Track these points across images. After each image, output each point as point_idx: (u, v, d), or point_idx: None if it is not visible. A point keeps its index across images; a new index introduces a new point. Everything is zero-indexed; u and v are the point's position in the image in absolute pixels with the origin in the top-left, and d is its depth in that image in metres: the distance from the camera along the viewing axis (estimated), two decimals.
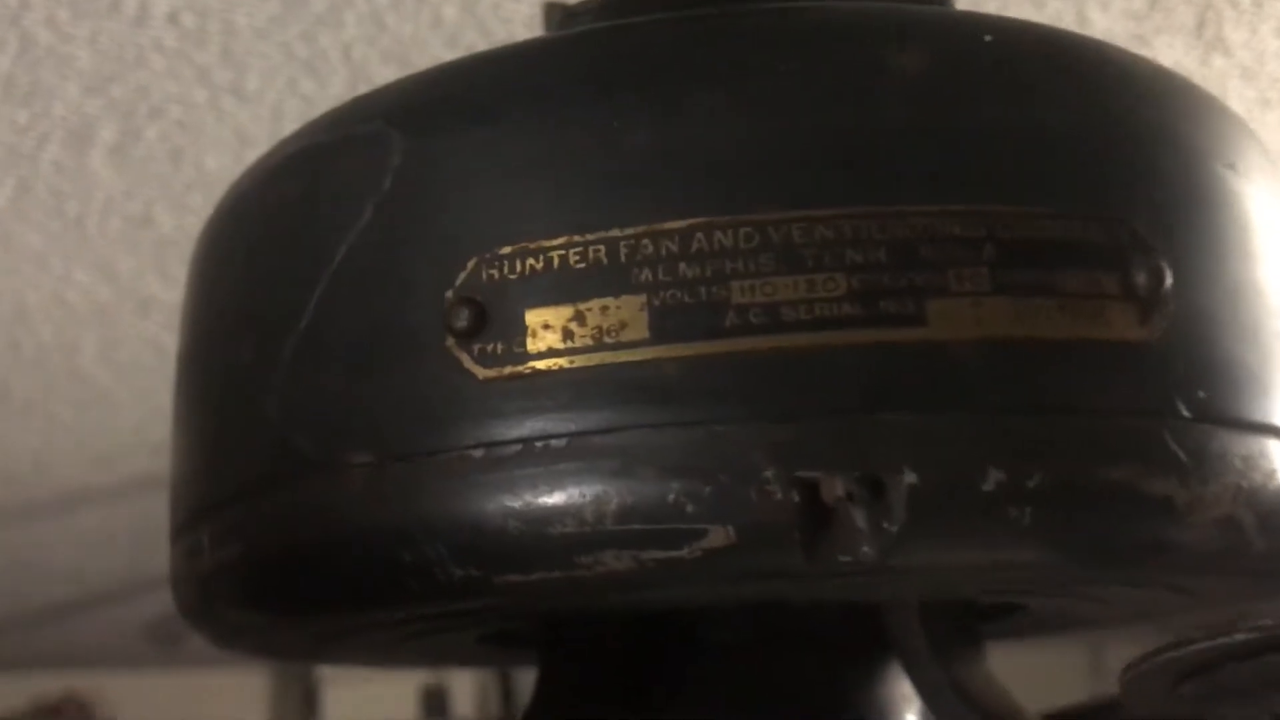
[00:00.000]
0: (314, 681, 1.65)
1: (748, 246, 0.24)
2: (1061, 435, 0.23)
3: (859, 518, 0.23)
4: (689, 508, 0.23)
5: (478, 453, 0.24)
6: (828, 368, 0.23)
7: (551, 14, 0.30)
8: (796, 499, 0.23)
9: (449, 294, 0.24)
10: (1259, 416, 0.26)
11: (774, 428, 0.23)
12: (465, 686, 1.45)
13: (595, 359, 0.23)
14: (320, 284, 0.26)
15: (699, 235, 0.24)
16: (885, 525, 0.23)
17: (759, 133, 0.24)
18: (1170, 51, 0.84)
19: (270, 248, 0.28)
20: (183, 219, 0.83)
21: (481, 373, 0.24)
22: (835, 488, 0.23)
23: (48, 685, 2.09)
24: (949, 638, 0.34)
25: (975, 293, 0.24)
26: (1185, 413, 0.25)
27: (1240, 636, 0.27)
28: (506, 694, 1.32)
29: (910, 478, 0.23)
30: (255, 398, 0.27)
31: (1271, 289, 0.28)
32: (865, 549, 0.23)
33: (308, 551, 0.26)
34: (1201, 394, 0.25)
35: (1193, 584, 0.30)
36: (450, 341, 0.24)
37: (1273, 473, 0.26)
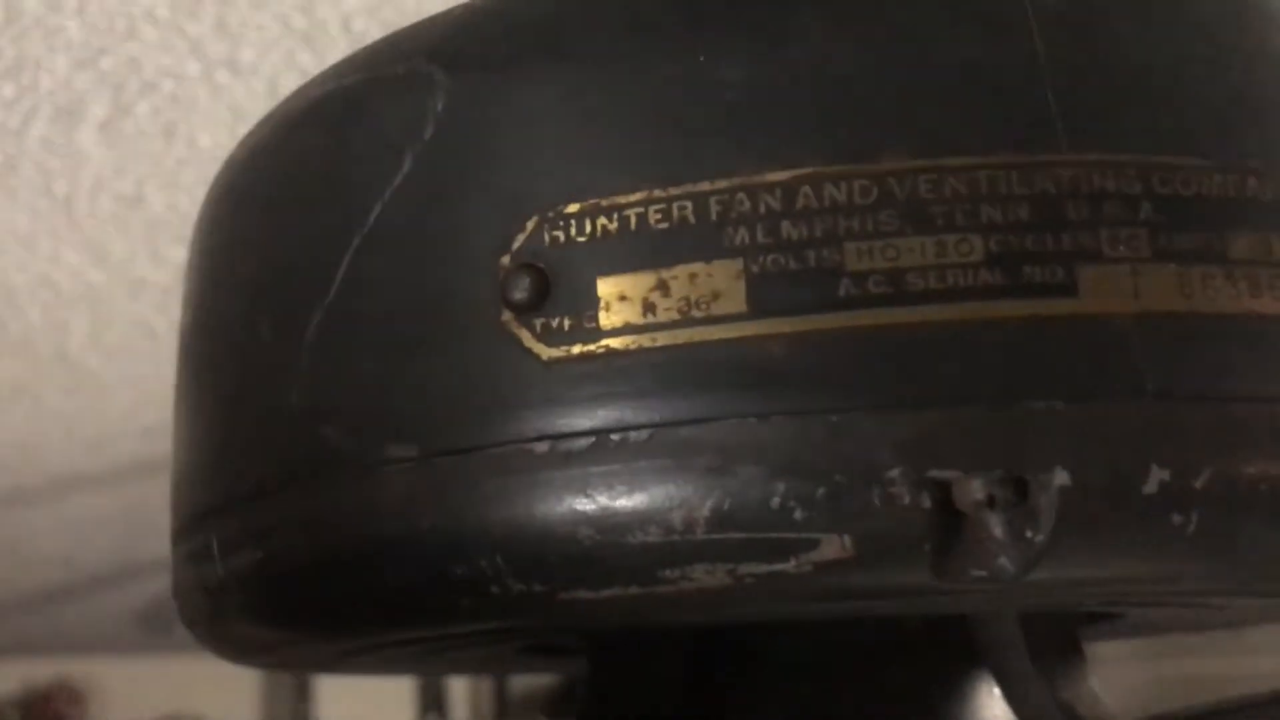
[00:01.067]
0: (308, 685, 1.62)
1: (865, 202, 0.20)
2: (1232, 427, 0.20)
3: (998, 526, 0.19)
4: (798, 514, 0.19)
5: (542, 446, 0.20)
6: (963, 347, 0.19)
7: None
8: (928, 504, 0.19)
9: (505, 260, 0.21)
10: None
11: (900, 419, 0.19)
12: (461, 679, 1.42)
13: (683, 336, 0.20)
14: (350, 249, 0.22)
15: (806, 189, 0.20)
16: (1029, 534, 0.19)
17: (876, 67, 0.20)
18: None
19: (291, 208, 0.24)
20: (175, 198, 0.80)
21: (546, 352, 0.20)
22: (972, 490, 0.19)
23: (39, 671, 2.06)
24: (1049, 649, 0.31)
25: (1133, 258, 0.20)
26: None
27: None
28: (500, 689, 1.29)
29: (1062, 478, 0.19)
30: (274, 382, 0.23)
31: None
32: (1003, 562, 0.19)
33: (338, 561, 0.22)
34: None
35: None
36: (507, 316, 0.20)
37: None
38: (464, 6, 0.23)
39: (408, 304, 0.22)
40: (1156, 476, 0.19)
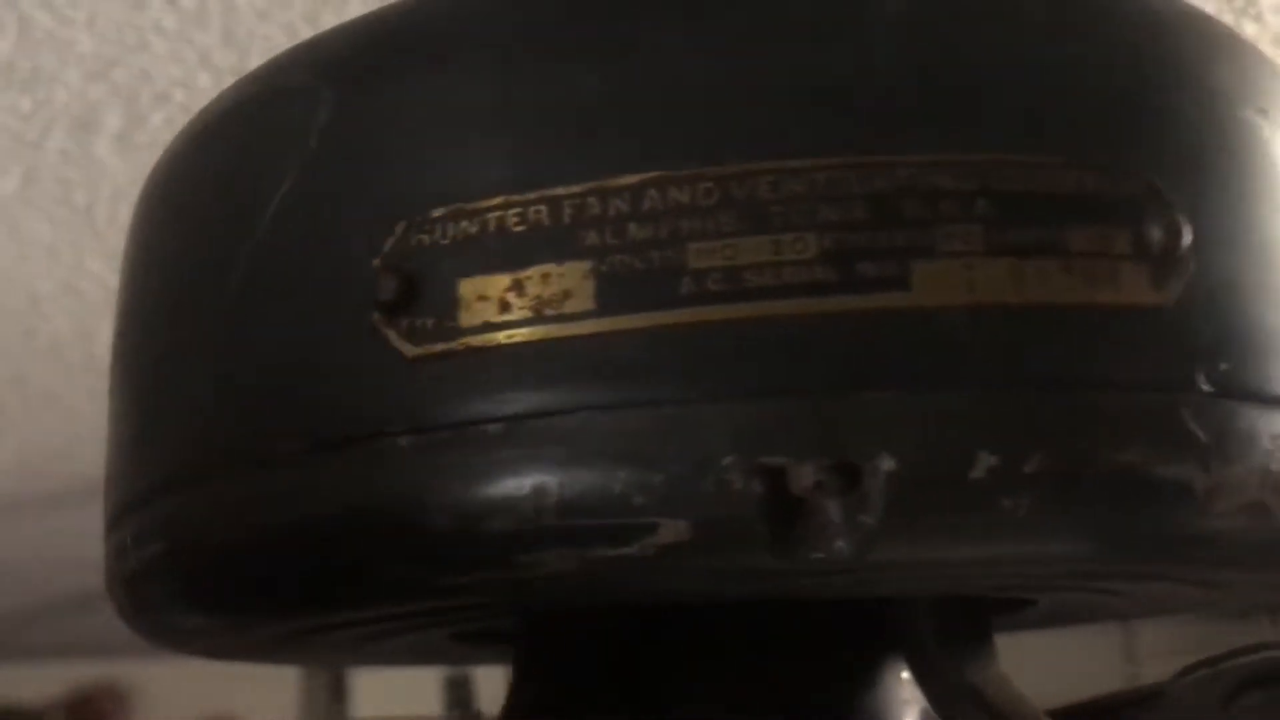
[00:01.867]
0: (343, 669, 1.63)
1: (707, 204, 0.21)
2: (1063, 414, 0.21)
3: (831, 510, 0.20)
4: (637, 499, 0.20)
5: (406, 440, 0.21)
6: (796, 340, 0.20)
7: None
8: (759, 489, 0.20)
9: (376, 262, 0.22)
10: None
11: (735, 409, 0.20)
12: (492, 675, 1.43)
13: (535, 334, 0.21)
14: (243, 256, 0.24)
15: (652, 192, 0.21)
16: (861, 518, 0.20)
17: (720, 75, 0.21)
18: None
19: (194, 216, 0.25)
20: None
21: (410, 350, 0.21)
22: (804, 476, 0.20)
23: (82, 673, 2.09)
24: (957, 634, 0.31)
25: (967, 253, 0.21)
26: (1206, 387, 0.22)
27: None
28: None
29: (888, 464, 0.20)
30: (181, 382, 0.25)
31: None
32: (839, 544, 0.20)
33: (232, 552, 0.23)
34: (1225, 365, 0.22)
35: (1219, 576, 0.27)
36: (377, 316, 0.22)
37: None
38: (356, 19, 0.25)
39: (291, 307, 0.23)
40: (985, 462, 0.20)
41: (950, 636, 0.31)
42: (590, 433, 0.20)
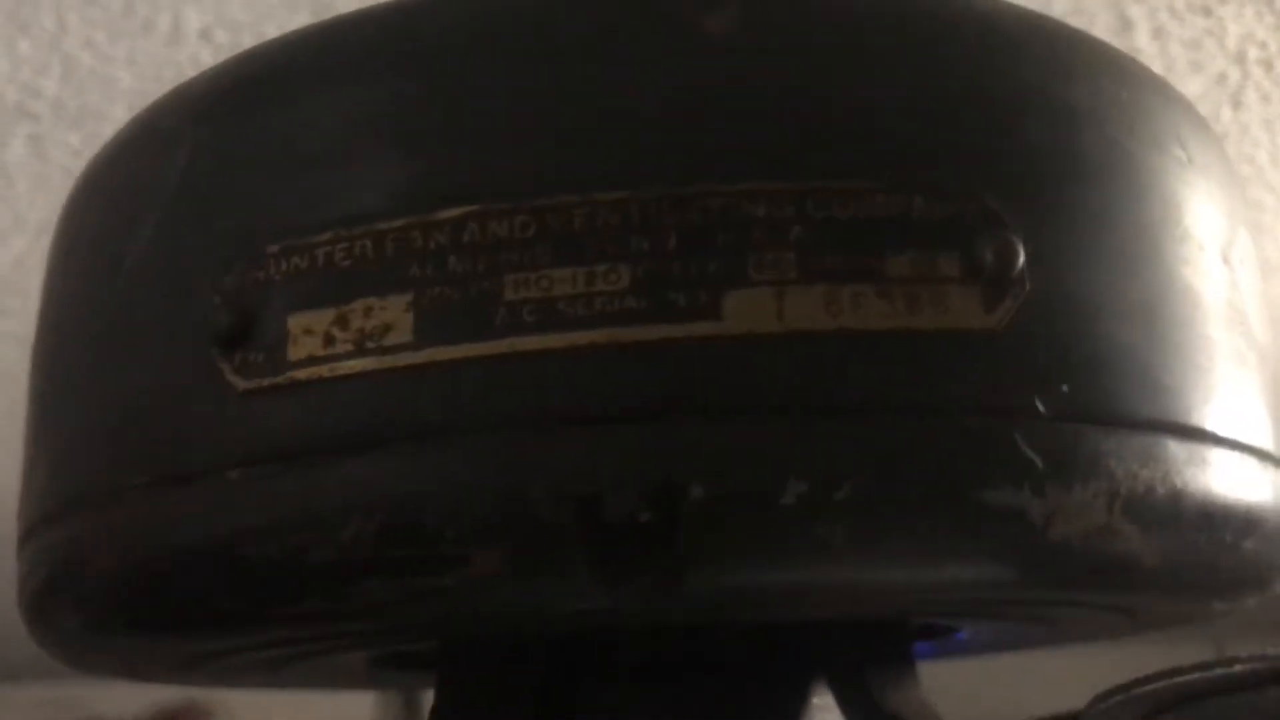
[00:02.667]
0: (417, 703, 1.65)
1: (523, 236, 0.21)
2: (879, 441, 0.20)
3: (643, 539, 0.20)
4: (449, 531, 0.20)
5: (235, 474, 0.21)
6: (607, 369, 0.20)
7: None
8: (570, 519, 0.20)
9: (217, 299, 0.22)
10: (1147, 412, 0.23)
11: (546, 439, 0.20)
12: None
13: (356, 366, 0.21)
14: (113, 294, 0.24)
15: (472, 225, 0.21)
16: (672, 547, 0.20)
17: (536, 108, 0.21)
18: (1240, 21, 0.82)
19: (82, 256, 0.26)
20: None
21: (242, 385, 0.22)
22: (616, 506, 0.20)
23: (168, 693, 2.13)
24: (879, 660, 0.31)
25: (779, 281, 0.21)
26: (1042, 410, 0.21)
27: (1237, 669, 0.24)
28: None
29: (698, 492, 0.20)
30: (57, 416, 0.25)
31: (1175, 262, 0.24)
32: (651, 574, 0.20)
33: (92, 584, 0.24)
34: (1065, 388, 0.22)
35: (1110, 603, 0.26)
36: (215, 351, 0.22)
37: (1165, 475, 0.23)
38: (228, 60, 0.25)
39: (146, 344, 0.23)
40: (795, 489, 0.20)
41: (872, 662, 0.31)
42: (406, 464, 0.21)
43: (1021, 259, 0.22)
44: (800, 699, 0.31)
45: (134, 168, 0.25)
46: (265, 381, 0.22)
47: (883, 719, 0.30)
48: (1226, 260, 0.26)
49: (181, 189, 0.24)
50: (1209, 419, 0.24)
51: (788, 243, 0.21)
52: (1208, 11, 0.82)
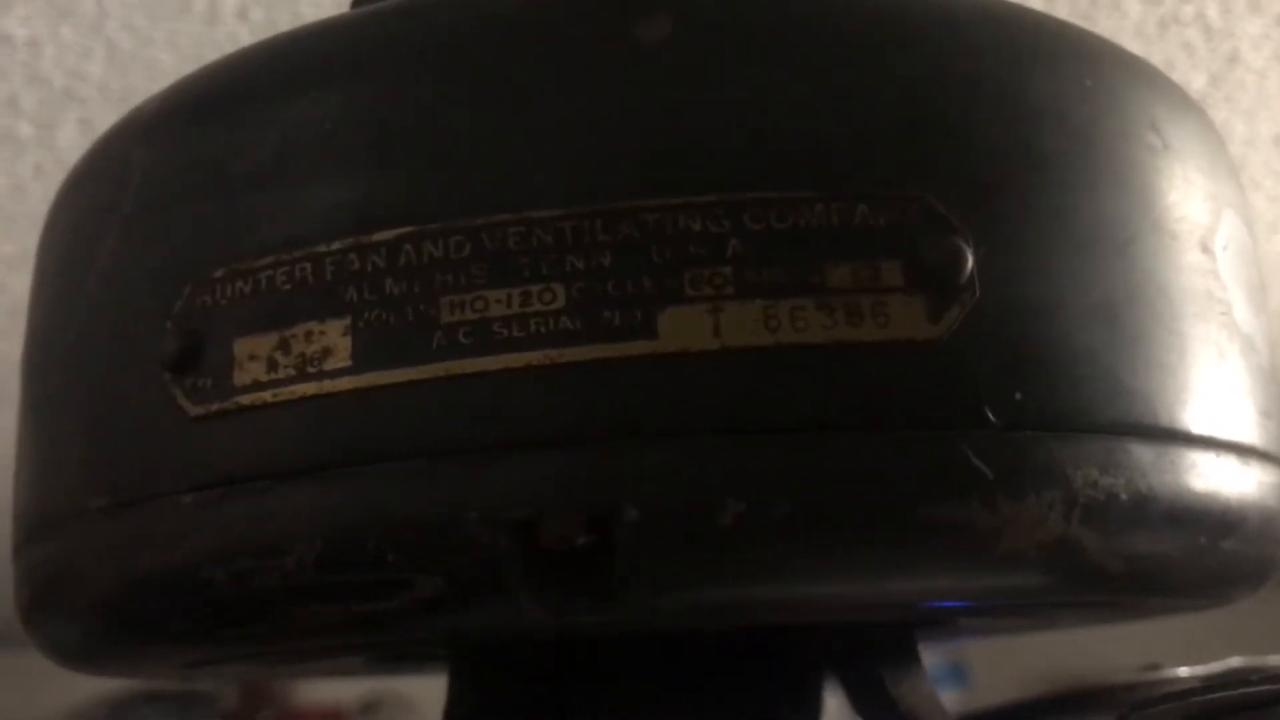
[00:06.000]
0: None
1: (459, 257, 0.21)
2: (818, 459, 0.20)
3: (580, 562, 0.20)
4: (390, 556, 0.20)
5: (188, 498, 0.22)
6: (541, 391, 0.20)
7: None
8: (507, 544, 0.20)
9: (168, 325, 0.22)
10: (1109, 416, 0.22)
11: (483, 463, 0.20)
12: None
13: (297, 391, 0.21)
14: (72, 316, 0.24)
15: (408, 247, 0.21)
16: (611, 569, 0.20)
17: (468, 127, 0.21)
18: None
19: (49, 278, 0.26)
20: None
21: (192, 409, 0.22)
22: (553, 529, 0.20)
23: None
24: (883, 651, 0.31)
25: (715, 297, 0.20)
26: (994, 420, 0.21)
27: (1263, 688, 0.24)
28: None
29: (633, 514, 0.20)
30: (38, 435, 0.26)
31: (1144, 256, 0.24)
32: (590, 597, 0.20)
33: (67, 601, 0.24)
34: (1018, 395, 0.21)
35: (1073, 613, 0.26)
36: (167, 377, 0.22)
37: (1129, 480, 0.22)
38: (179, 80, 0.25)
39: (102, 369, 0.24)
40: (732, 509, 0.20)
41: (882, 659, 0.31)
42: (346, 491, 0.21)
43: (970, 264, 0.21)
44: (812, 699, 0.31)
45: (92, 192, 0.25)
46: (214, 406, 0.22)
47: (898, 715, 0.30)
48: (1206, 249, 0.25)
49: (133, 213, 0.24)
50: (1179, 419, 0.23)
51: (724, 257, 0.20)
52: None
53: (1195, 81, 0.88)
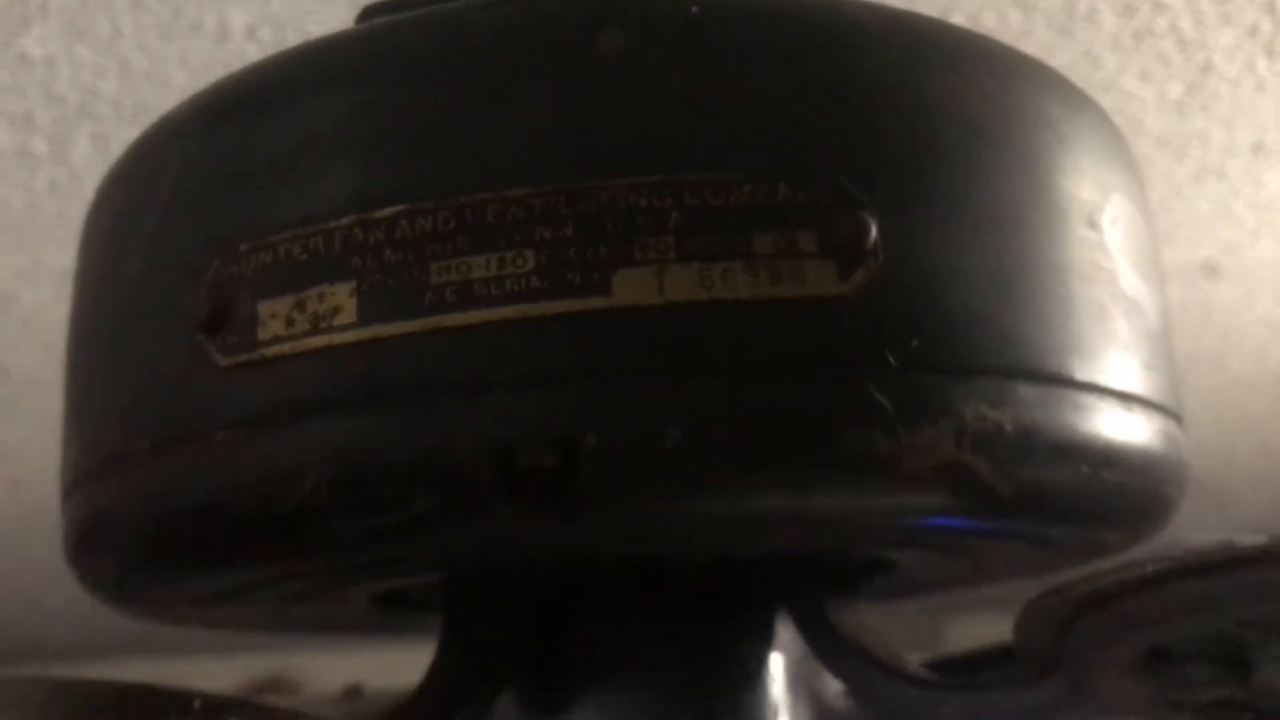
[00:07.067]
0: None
1: (446, 229, 0.25)
2: (745, 393, 0.24)
3: (550, 481, 0.24)
4: (391, 479, 0.24)
5: (220, 435, 0.26)
6: (517, 339, 0.25)
7: None
8: (488, 467, 0.24)
9: (201, 291, 0.27)
10: (997, 361, 0.26)
11: (466, 400, 0.24)
12: None
13: (312, 343, 0.25)
14: (120, 287, 0.29)
15: (403, 222, 0.25)
16: (576, 488, 0.24)
17: (456, 121, 0.25)
18: None
19: (100, 253, 0.31)
20: None
21: (222, 361, 0.26)
22: (527, 454, 0.24)
23: (254, 665, 2.20)
24: (835, 591, 0.35)
25: (659, 260, 0.25)
26: (893, 362, 0.25)
27: (1150, 568, 0.27)
28: None
29: (591, 440, 0.24)
30: (86, 394, 0.30)
31: (1035, 231, 0.28)
32: (559, 510, 0.24)
33: (115, 536, 0.28)
34: (915, 343, 0.25)
35: (1001, 556, 0.30)
36: (201, 336, 0.26)
37: (1015, 415, 0.26)
38: (207, 87, 0.29)
39: (145, 329, 0.28)
40: (673, 435, 0.24)
41: (827, 594, 0.35)
42: (354, 424, 0.25)
43: (874, 234, 0.25)
44: (764, 629, 0.34)
45: (132, 185, 0.29)
46: (241, 358, 0.26)
47: (842, 643, 0.34)
48: (1094, 225, 0.30)
49: (169, 200, 0.28)
50: (1063, 365, 0.27)
51: (667, 228, 0.25)
52: None
53: (1172, 91, 0.90)
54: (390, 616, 0.38)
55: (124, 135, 0.86)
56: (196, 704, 0.25)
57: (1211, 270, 1.14)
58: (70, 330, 0.32)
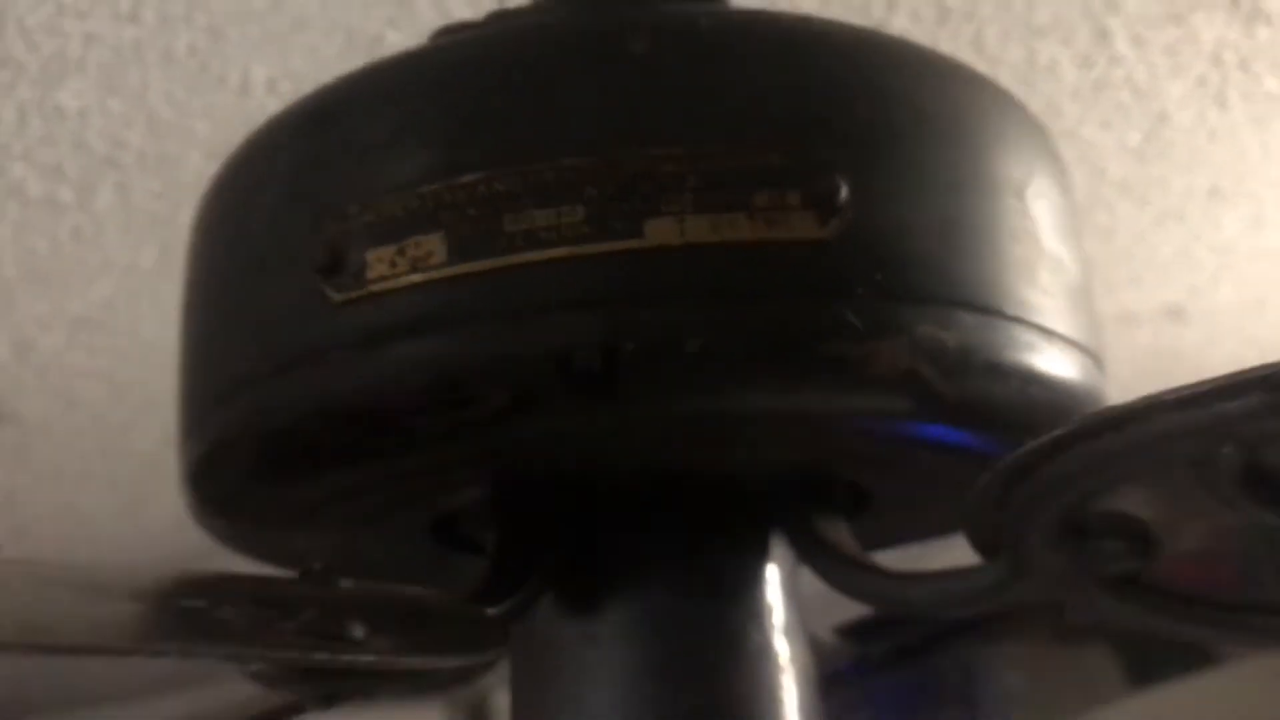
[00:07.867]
0: (485, 711, 1.73)
1: (514, 190, 0.33)
2: (749, 312, 0.32)
3: (599, 379, 0.32)
4: (474, 380, 0.32)
5: (335, 354, 0.33)
6: (571, 272, 0.32)
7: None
8: (551, 369, 0.32)
9: (320, 244, 0.34)
10: (945, 294, 0.34)
11: (533, 319, 0.32)
12: None
13: (412, 280, 0.33)
14: (247, 245, 0.36)
15: (481, 186, 0.33)
16: (619, 380, 0.32)
17: (522, 107, 0.33)
18: (1210, 27, 0.88)
19: (227, 223, 0.38)
20: None
21: (337, 297, 0.33)
22: (581, 359, 0.32)
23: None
24: (820, 510, 0.42)
25: (680, 212, 0.32)
26: (861, 291, 0.33)
27: (1056, 432, 0.31)
28: None
29: (629, 347, 0.31)
30: (213, 336, 0.37)
31: (973, 197, 0.35)
32: (606, 402, 0.32)
33: (249, 445, 0.36)
34: (879, 277, 0.33)
35: (938, 443, 0.37)
36: (319, 278, 0.34)
37: (958, 335, 0.34)
38: (305, 95, 0.37)
39: (271, 277, 0.35)
40: (693, 344, 0.32)
41: (815, 512, 0.41)
42: (446, 338, 0.32)
43: (844, 193, 0.33)
44: (760, 543, 0.41)
45: (248, 171, 0.37)
46: (352, 294, 0.33)
47: (825, 547, 0.41)
48: (1020, 196, 0.37)
49: (286, 175, 0.36)
50: (995, 301, 0.35)
51: (686, 187, 0.32)
52: (1179, 20, 0.88)
53: (1131, 139, 0.94)
54: (441, 555, 0.45)
55: (146, 185, 0.92)
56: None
57: (1176, 314, 1.18)
58: (189, 294, 0.39)
